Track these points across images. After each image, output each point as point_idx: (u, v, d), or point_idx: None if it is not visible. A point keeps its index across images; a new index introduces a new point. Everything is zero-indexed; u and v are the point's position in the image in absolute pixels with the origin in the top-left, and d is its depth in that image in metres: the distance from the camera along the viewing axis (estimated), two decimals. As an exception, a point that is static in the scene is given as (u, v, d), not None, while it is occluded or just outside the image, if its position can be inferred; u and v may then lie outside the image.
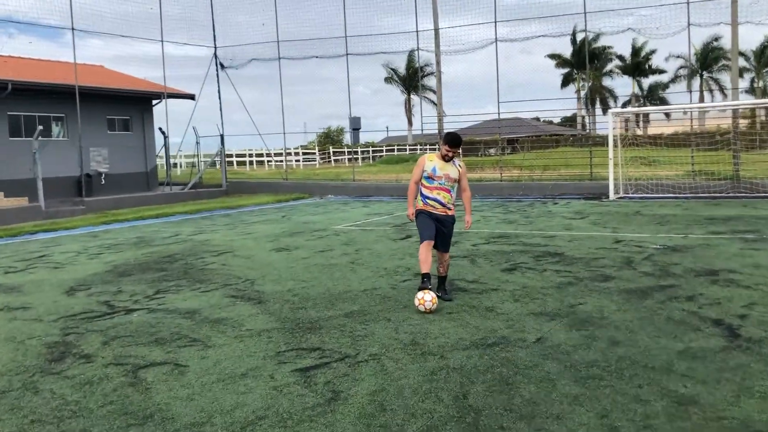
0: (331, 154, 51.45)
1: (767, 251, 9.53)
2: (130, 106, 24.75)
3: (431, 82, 51.56)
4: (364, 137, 63.79)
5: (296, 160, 46.90)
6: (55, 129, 22.71)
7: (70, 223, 17.55)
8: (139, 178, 24.73)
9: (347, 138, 65.35)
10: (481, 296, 7.36)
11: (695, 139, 23.07)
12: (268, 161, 41.89)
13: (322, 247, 11.45)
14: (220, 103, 25.86)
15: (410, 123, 58.12)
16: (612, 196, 19.04)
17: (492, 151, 43.02)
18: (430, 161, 7.15)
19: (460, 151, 8.27)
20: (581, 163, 25.21)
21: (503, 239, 11.67)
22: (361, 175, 28.61)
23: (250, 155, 45.40)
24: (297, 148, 49.24)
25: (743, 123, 24.74)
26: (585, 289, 7.50)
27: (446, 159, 7.13)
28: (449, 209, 7.23)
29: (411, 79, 55.33)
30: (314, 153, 51.21)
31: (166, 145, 26.38)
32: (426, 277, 6.96)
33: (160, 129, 25.97)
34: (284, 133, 26.16)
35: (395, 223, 14.69)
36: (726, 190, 18.51)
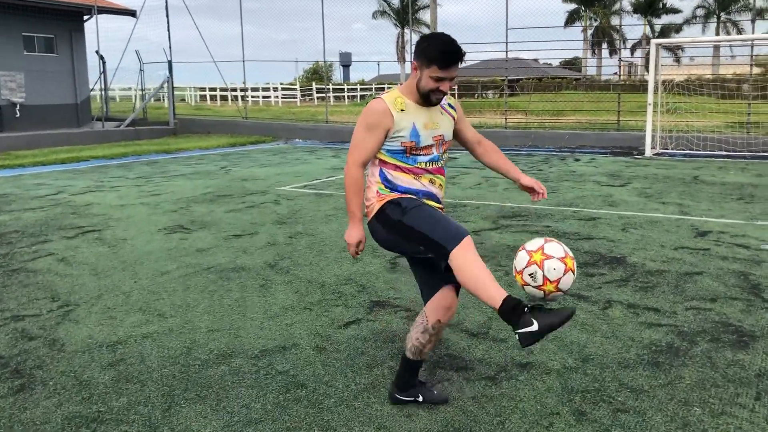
0: (315, 91, 46.69)
1: None
2: (54, 22, 20.15)
3: (426, 16, 46.67)
4: (355, 75, 58.98)
5: (275, 97, 42.33)
6: (-47, 47, 18.26)
7: (-55, 167, 13.40)
8: (66, 111, 20.39)
9: (336, 75, 60.48)
10: (498, 390, 3.39)
11: (744, 85, 18.94)
12: (243, 97, 37.21)
13: (241, 228, 7.42)
14: (168, 21, 21.30)
15: (403, 59, 53.21)
16: (648, 151, 14.98)
17: (490, 93, 38.73)
18: (401, 111, 2.98)
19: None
20: (593, 108, 21.04)
21: (520, 221, 7.67)
22: (339, 116, 24.34)
23: (223, 90, 40.61)
24: (276, 84, 44.46)
25: (757, 72, 20.37)
26: (714, 375, 3.55)
27: (433, 100, 2.99)
28: (443, 206, 3.19)
29: (405, 12, 50.30)
30: (295, 89, 46.47)
31: (104, 72, 21.97)
32: (513, 306, 2.65)
33: (97, 52, 21.52)
34: (243, 61, 21.73)
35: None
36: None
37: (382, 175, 3.04)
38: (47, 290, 5.18)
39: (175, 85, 35.50)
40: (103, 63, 21.99)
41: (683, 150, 15.46)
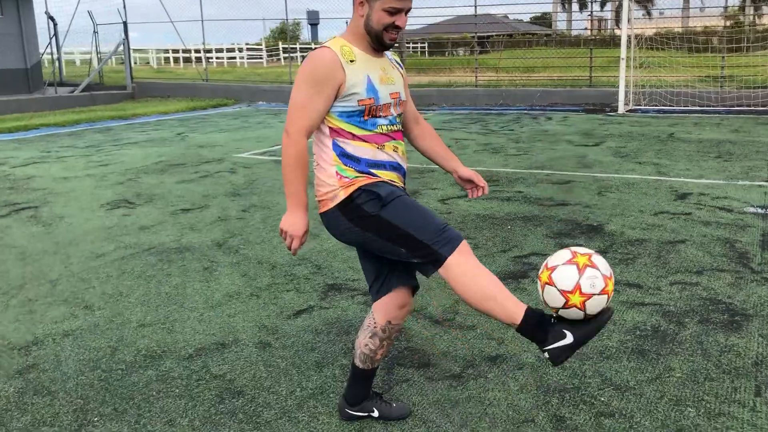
0: (281, 51, 45.36)
1: None
2: (-2, -19, 18.99)
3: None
4: (324, 33, 57.39)
5: (240, 58, 41.09)
6: None
7: None
8: (15, 76, 19.34)
9: (305, 34, 58.88)
10: (464, 392, 2.96)
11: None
12: (205, 58, 35.93)
13: (191, 201, 6.87)
14: (121, -21, 20.20)
15: (371, 17, 51.79)
16: (621, 108, 14.58)
17: (461, 51, 38.01)
18: (351, 63, 2.37)
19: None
20: (565, 64, 20.53)
21: (491, 186, 7.08)
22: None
23: (186, 51, 39.21)
24: (241, 45, 43.12)
25: (729, 24, 19.94)
26: (707, 366, 3.15)
27: (387, 41, 2.41)
28: (404, 184, 2.62)
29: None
30: (261, 49, 45.15)
31: (55, 35, 20.90)
32: (538, 319, 2.23)
33: (46, 13, 20.42)
34: (202, 20, 20.77)
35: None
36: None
37: (337, 148, 2.42)
38: (-37, 280, 4.62)
39: (138, 48, 34.15)
40: (54, 25, 20.93)
41: (656, 106, 15.09)
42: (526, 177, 7.69)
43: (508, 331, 3.58)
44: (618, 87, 14.78)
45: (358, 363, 2.66)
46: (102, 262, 4.92)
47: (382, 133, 2.45)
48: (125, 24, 20.47)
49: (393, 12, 2.35)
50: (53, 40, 21.03)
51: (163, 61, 41.75)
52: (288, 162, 2.37)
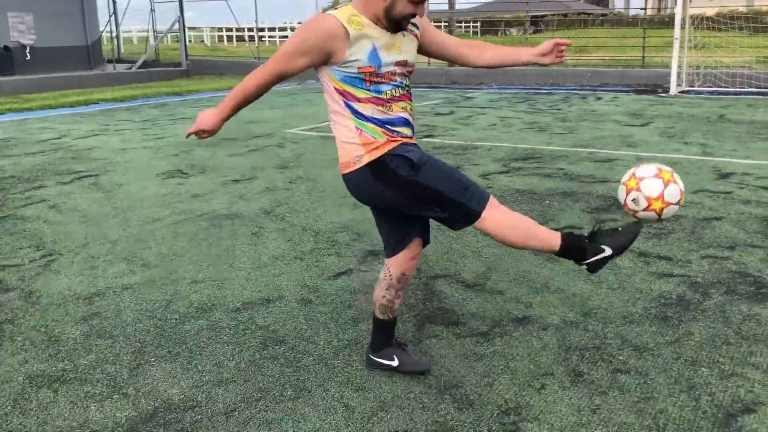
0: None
1: None
2: (61, -41, 19.65)
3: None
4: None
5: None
6: (-42, -13, 17.89)
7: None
8: (77, 53, 20.06)
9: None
10: (490, 348, 3.15)
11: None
12: (258, 37, 36.38)
13: (241, 173, 7.17)
14: (178, -42, 20.66)
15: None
16: (674, 89, 14.35)
17: (513, 31, 37.62)
18: (357, 29, 2.42)
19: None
20: (618, 44, 20.20)
21: (533, 163, 7.32)
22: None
23: (239, 30, 39.77)
24: (293, 24, 43.50)
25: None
26: (727, 331, 3.27)
27: (404, 27, 2.53)
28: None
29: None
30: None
31: (114, 13, 21.56)
32: (573, 240, 2.62)
33: (106, -8, 21.08)
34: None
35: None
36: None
37: (350, 107, 2.50)
38: (33, 239, 5.00)
39: (193, 26, 34.75)
40: (114, 3, 21.57)
41: (711, 87, 14.79)
42: (569, 155, 7.76)
43: (536, 295, 3.75)
44: (671, 68, 14.55)
45: (378, 314, 2.89)
46: (158, 226, 5.25)
47: (388, 99, 2.51)
48: (181, 2, 20.97)
49: (418, 2, 2.42)
50: (112, 18, 21.68)
51: (216, 40, 42.44)
52: (242, 85, 2.52)
